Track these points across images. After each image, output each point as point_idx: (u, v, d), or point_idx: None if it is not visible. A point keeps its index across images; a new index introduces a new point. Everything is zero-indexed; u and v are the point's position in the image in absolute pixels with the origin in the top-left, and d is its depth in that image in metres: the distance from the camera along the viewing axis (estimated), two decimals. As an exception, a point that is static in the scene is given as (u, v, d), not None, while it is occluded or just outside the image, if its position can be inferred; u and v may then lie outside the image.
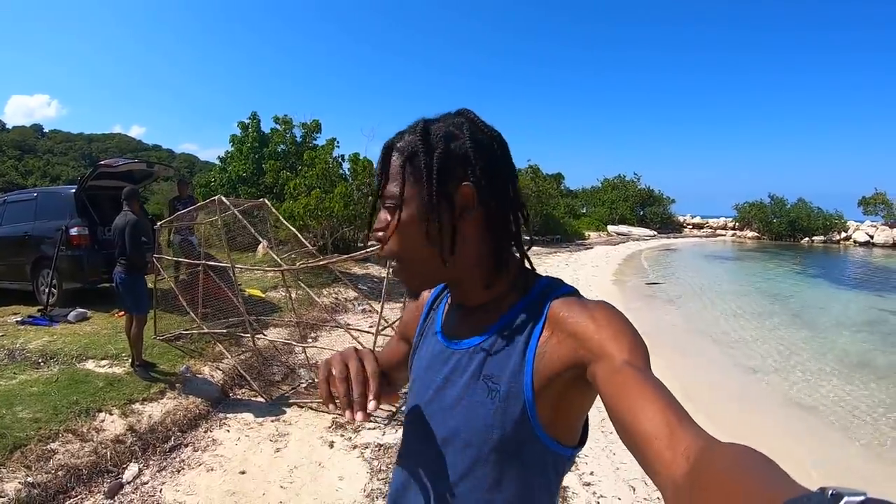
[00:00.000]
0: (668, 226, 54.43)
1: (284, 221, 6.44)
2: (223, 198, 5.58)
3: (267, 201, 6.55)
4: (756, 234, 51.80)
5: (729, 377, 7.99)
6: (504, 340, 0.91)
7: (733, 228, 55.74)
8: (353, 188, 13.78)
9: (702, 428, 0.65)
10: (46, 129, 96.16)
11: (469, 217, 0.91)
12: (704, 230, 56.84)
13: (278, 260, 5.48)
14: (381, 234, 0.94)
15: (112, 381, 5.46)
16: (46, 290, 8.17)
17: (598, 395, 0.80)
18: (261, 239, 5.76)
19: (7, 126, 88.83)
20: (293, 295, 8.13)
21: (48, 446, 4.40)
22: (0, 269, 9.22)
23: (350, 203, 12.69)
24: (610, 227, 45.23)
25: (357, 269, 12.77)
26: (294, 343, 6.43)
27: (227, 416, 5.38)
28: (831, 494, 0.39)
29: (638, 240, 40.99)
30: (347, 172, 15.10)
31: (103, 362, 5.95)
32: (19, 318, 7.65)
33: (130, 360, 5.78)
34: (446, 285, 1.09)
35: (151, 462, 4.56)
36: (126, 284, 5.70)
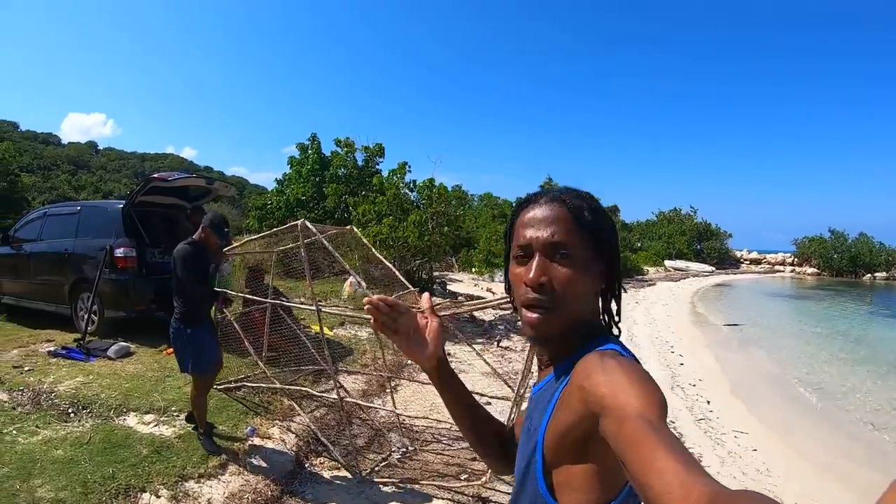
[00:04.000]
0: (725, 261, 52.59)
1: (379, 256, 5.10)
2: (308, 223, 4.39)
3: (355, 228, 5.30)
4: (815, 270, 50.03)
5: (848, 435, 7.07)
6: (547, 390, 1.02)
7: (792, 264, 53.91)
8: (427, 217, 12.46)
9: (712, 478, 0.65)
10: (101, 147, 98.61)
11: (603, 284, 1.04)
12: (762, 266, 55.13)
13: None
14: (544, 279, 0.98)
15: (159, 447, 4.20)
16: (85, 317, 7.06)
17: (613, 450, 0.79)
18: (352, 273, 4.47)
19: (63, 142, 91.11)
20: (364, 335, 6.89)
21: (72, 545, 3.18)
22: (36, 288, 8.24)
23: (425, 233, 11.41)
24: (667, 262, 43.62)
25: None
26: (397, 412, 5.07)
27: (306, 499, 4.06)
28: None
29: (697, 276, 39.47)
30: (413, 199, 13.90)
31: (148, 418, 4.70)
32: (52, 349, 6.53)
33: (186, 415, 4.55)
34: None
35: (211, 575, 3.27)
36: (181, 336, 4.36)
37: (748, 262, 56.12)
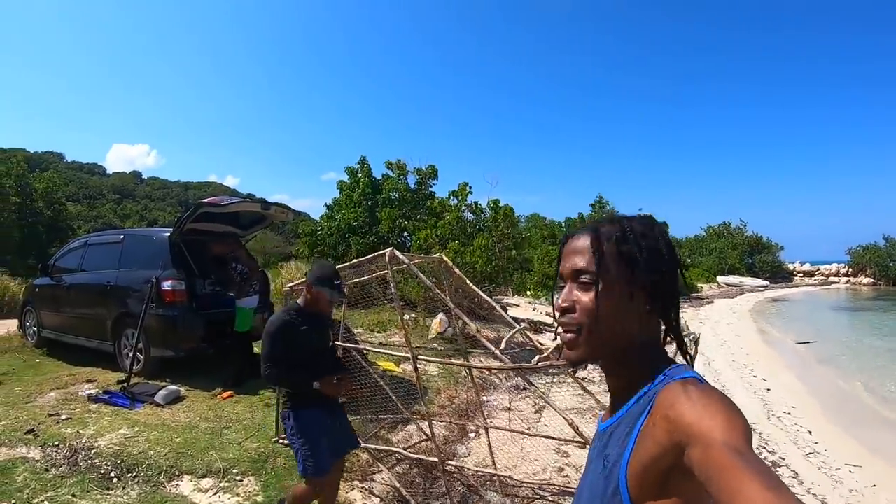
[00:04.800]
0: (778, 274, 51.18)
1: (476, 290, 4.18)
2: (397, 251, 3.66)
3: (446, 258, 4.56)
4: (871, 280, 48.54)
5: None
6: (623, 423, 0.96)
7: (846, 275, 52.44)
8: (493, 240, 11.62)
9: (802, 502, 0.63)
10: (145, 176, 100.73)
11: (647, 306, 0.99)
12: (816, 278, 53.65)
13: (493, 350, 3.37)
14: (566, 304, 1.00)
15: (222, 526, 3.44)
16: (130, 356, 6.40)
17: (699, 480, 0.77)
18: (455, 310, 3.69)
19: (108, 172, 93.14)
20: (435, 371, 6.07)
21: None
22: (77, 322, 7.67)
23: (493, 258, 10.60)
24: (720, 278, 42.40)
25: (489, 332, 10.53)
26: (498, 472, 4.21)
27: None
28: None
29: (752, 291, 38.30)
30: (473, 221, 13.17)
31: (205, 483, 3.94)
32: (92, 392, 5.87)
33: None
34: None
35: None
36: (289, 426, 3.26)
37: (801, 275, 54.67)
